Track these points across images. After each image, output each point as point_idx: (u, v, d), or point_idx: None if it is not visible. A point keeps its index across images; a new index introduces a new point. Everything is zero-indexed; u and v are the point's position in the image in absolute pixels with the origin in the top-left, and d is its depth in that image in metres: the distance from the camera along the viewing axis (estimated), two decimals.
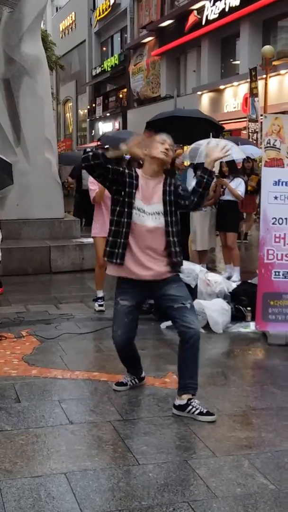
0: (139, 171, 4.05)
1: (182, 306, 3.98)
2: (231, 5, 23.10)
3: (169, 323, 5.88)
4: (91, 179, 6.09)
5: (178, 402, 4.01)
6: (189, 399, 3.97)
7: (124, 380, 4.44)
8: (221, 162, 8.93)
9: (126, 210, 3.96)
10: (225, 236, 8.88)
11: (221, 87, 24.50)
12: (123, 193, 3.97)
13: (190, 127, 10.32)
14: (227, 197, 8.67)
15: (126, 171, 4.00)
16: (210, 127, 10.16)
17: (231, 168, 8.81)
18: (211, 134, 9.44)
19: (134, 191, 3.97)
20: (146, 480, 3.20)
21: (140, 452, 3.48)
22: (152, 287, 4.06)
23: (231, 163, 8.94)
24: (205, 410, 3.94)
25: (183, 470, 3.31)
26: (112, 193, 4.06)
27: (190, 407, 3.95)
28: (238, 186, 8.61)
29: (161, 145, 3.96)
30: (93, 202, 6.57)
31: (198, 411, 3.93)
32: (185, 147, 11.96)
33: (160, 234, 3.99)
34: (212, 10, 24.55)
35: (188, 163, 9.84)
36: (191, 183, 8.97)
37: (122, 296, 4.12)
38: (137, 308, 4.21)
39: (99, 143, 12.83)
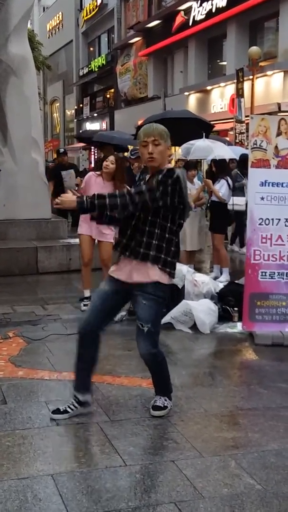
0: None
1: (140, 328, 3.84)
2: (218, 6, 23.16)
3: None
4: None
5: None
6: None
7: (61, 407, 3.98)
8: (211, 162, 8.97)
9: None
10: (213, 237, 8.91)
11: (208, 87, 24.56)
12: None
13: (180, 128, 10.38)
14: (214, 198, 8.70)
15: None
16: (199, 126, 10.21)
17: (219, 168, 8.82)
18: (204, 134, 9.49)
19: None
20: (133, 481, 3.20)
21: (127, 453, 3.48)
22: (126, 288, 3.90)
23: (221, 163, 8.95)
24: (152, 404, 4.03)
25: (170, 471, 3.31)
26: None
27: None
28: (220, 188, 8.60)
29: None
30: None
31: (152, 404, 4.03)
32: (175, 148, 12.02)
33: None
34: (199, 11, 24.60)
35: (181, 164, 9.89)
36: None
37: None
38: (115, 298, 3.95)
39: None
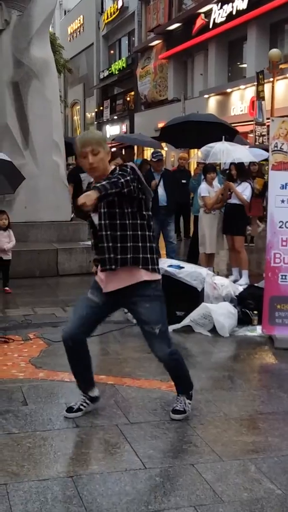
0: None
1: (151, 331, 3.80)
2: (238, 9, 23.12)
3: (175, 326, 5.89)
4: None
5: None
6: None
7: (73, 404, 4.04)
8: (230, 165, 8.96)
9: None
10: (232, 239, 8.88)
11: (228, 90, 24.51)
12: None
13: (203, 132, 10.38)
14: (234, 200, 8.67)
15: None
16: (223, 132, 10.19)
17: (240, 172, 8.80)
18: (223, 137, 9.47)
19: None
20: (152, 484, 3.20)
21: (146, 456, 3.49)
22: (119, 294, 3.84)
23: (240, 166, 8.94)
24: (172, 408, 4.01)
25: (189, 475, 3.31)
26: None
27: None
28: (244, 190, 8.61)
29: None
30: None
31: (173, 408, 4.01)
32: (195, 151, 12.00)
33: None
34: (219, 14, 24.57)
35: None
36: (202, 186, 9.00)
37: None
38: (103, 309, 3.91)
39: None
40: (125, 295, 3.79)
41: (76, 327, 3.86)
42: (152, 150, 14.17)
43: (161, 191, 9.49)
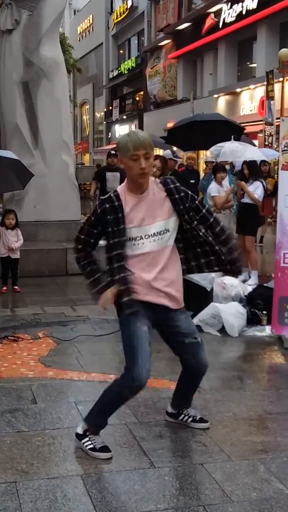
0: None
1: (194, 342, 3.60)
2: (248, 8, 23.08)
3: None
4: None
5: (170, 410, 3.94)
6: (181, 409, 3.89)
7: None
8: (242, 164, 8.94)
9: None
10: (243, 239, 8.85)
11: (238, 90, 24.47)
12: None
13: (210, 131, 10.35)
14: (246, 200, 8.65)
15: None
16: (230, 130, 10.16)
17: (252, 171, 8.77)
18: (232, 137, 9.44)
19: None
20: (161, 483, 3.21)
21: (155, 455, 3.49)
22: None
23: (253, 165, 8.91)
24: (198, 417, 3.86)
25: (198, 474, 3.31)
26: None
27: (182, 415, 3.88)
28: (256, 189, 8.57)
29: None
30: None
31: (191, 418, 3.85)
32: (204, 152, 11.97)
33: None
34: (229, 13, 24.54)
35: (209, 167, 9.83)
36: (212, 185, 8.98)
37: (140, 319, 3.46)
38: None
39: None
40: (161, 313, 3.53)
41: (148, 369, 3.42)
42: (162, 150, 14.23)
43: None
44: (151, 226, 3.40)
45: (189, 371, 3.73)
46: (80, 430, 3.56)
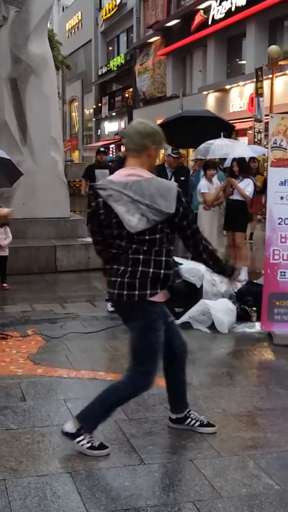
0: None
1: (172, 319, 3.65)
2: (237, 5, 23.08)
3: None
4: None
5: (174, 415, 3.82)
6: (188, 412, 3.81)
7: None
8: (232, 161, 8.94)
9: None
10: (233, 235, 8.85)
11: (227, 87, 24.48)
12: None
13: (199, 127, 10.31)
14: (236, 196, 8.65)
15: None
16: (219, 127, 10.13)
17: (242, 168, 8.78)
18: (222, 134, 9.42)
19: None
20: (151, 480, 3.20)
21: (145, 452, 3.49)
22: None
23: (242, 163, 8.92)
24: (205, 421, 3.79)
25: (188, 470, 3.31)
26: None
27: (189, 419, 3.78)
28: (246, 186, 8.58)
29: None
30: None
31: (198, 422, 3.77)
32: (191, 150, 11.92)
33: None
34: (218, 10, 24.53)
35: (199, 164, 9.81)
36: (202, 182, 8.98)
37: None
38: None
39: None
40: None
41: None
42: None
43: None
44: None
45: (177, 356, 3.69)
46: (71, 429, 3.47)
